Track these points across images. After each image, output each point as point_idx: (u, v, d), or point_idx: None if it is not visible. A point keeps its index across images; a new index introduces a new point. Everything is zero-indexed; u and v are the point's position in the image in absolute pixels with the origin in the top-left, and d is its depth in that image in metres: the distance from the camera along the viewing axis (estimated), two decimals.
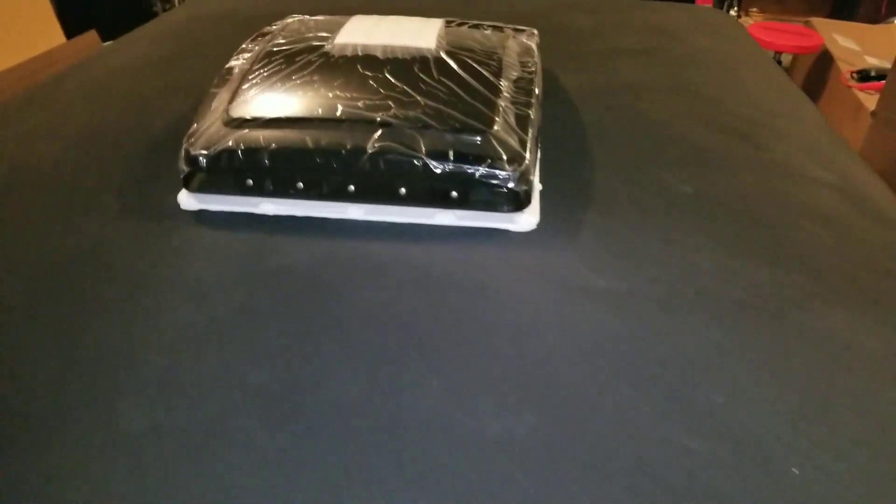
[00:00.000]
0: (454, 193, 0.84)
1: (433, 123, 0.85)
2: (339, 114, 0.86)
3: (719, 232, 0.85)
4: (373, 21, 1.07)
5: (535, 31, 1.14)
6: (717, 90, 1.22)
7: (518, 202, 0.84)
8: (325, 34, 1.04)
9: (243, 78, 0.94)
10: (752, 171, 0.98)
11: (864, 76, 2.77)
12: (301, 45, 1.00)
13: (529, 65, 1.00)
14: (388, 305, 0.73)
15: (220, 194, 0.88)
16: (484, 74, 0.94)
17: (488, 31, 1.08)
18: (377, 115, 0.85)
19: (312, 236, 0.84)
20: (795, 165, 1.01)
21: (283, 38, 1.03)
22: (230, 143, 0.84)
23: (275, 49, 1.00)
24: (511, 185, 0.81)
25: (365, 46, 0.99)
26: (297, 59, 0.96)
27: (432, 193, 0.85)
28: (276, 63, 0.96)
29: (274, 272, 0.78)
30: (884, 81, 2.68)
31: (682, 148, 1.03)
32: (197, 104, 1.08)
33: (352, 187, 0.85)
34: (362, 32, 1.02)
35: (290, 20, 1.14)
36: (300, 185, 0.85)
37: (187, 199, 0.89)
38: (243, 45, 1.04)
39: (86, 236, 0.83)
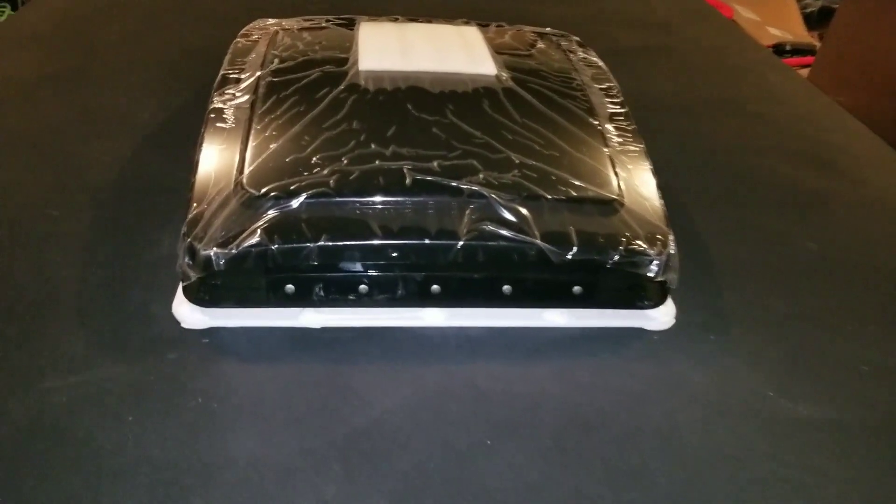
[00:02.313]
0: (577, 289, 0.62)
1: (541, 192, 0.62)
2: (408, 183, 0.61)
3: (885, 313, 0.69)
4: (391, 32, 0.81)
5: (577, 38, 0.92)
6: (765, 106, 1.06)
7: (662, 294, 0.64)
8: (335, 53, 0.76)
9: (248, 126, 0.66)
10: (863, 215, 0.83)
11: (779, 51, 2.78)
12: (315, 73, 0.72)
13: (613, 91, 0.78)
14: (551, 473, 0.51)
15: (242, 306, 0.61)
16: (576, 113, 0.71)
17: (541, 45, 0.85)
18: (463, 184, 0.61)
19: (387, 361, 0.59)
20: None
21: (281, 59, 0.75)
22: (259, 238, 0.56)
23: (277, 79, 0.71)
24: (655, 272, 0.61)
25: (405, 74, 0.73)
26: (317, 94, 0.69)
27: (547, 291, 0.62)
28: (288, 101, 0.68)
29: (362, 438, 0.53)
30: (801, 57, 2.70)
31: (776, 188, 0.86)
32: (143, 145, 0.79)
33: (436, 287, 0.61)
34: (389, 51, 0.76)
35: (269, 27, 0.85)
36: (363, 288, 0.60)
37: (192, 315, 0.60)
38: (223, 72, 0.74)
39: (43, 399, 0.53)
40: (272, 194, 0.59)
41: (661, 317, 0.64)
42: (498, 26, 0.89)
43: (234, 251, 0.56)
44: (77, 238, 0.69)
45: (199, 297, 0.59)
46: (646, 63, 1.17)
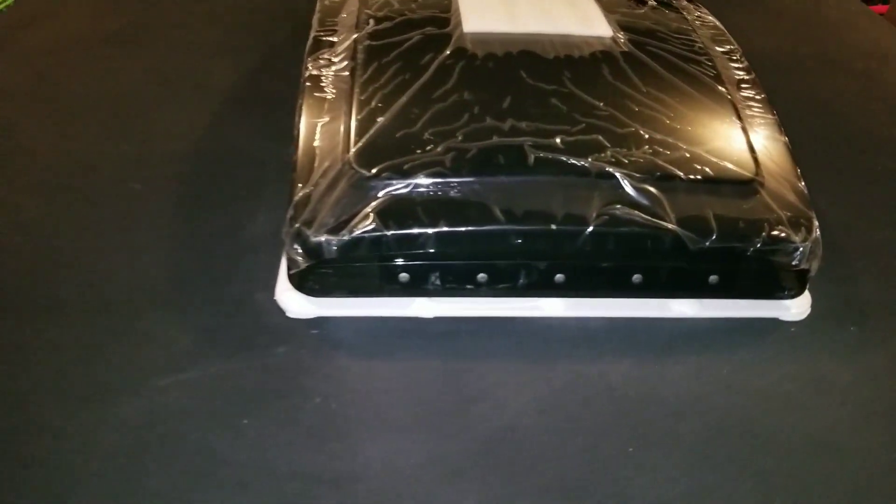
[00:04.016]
0: (713, 278, 0.57)
1: (676, 172, 0.56)
2: (531, 161, 0.56)
3: None
4: None
5: None
6: (872, 63, 0.98)
7: (802, 283, 0.58)
8: (434, 13, 0.70)
9: (350, 97, 0.60)
10: None
11: None
12: (416, 36, 0.66)
13: (736, 55, 0.71)
14: (700, 485, 0.47)
15: (348, 294, 0.57)
16: (703, 80, 0.65)
17: (653, 2, 0.77)
18: (590, 162, 0.56)
19: (512, 357, 0.55)
20: None
21: (377, 20, 0.69)
22: (373, 222, 0.52)
23: (376, 43, 0.66)
24: (800, 260, 0.55)
25: (513, 37, 0.66)
26: (421, 60, 0.63)
27: (680, 280, 0.57)
28: (391, 68, 0.62)
29: (497, 444, 0.49)
30: (876, 6, 2.54)
31: (891, 155, 0.79)
32: (221, 111, 0.74)
33: (560, 277, 0.56)
34: (493, 10, 0.70)
35: None
36: (482, 277, 0.55)
37: (299, 304, 0.57)
38: (315, 34, 0.68)
39: (153, 399, 0.50)
40: (384, 174, 0.54)
41: (797, 307, 0.59)
42: None
43: (346, 237, 0.52)
44: (164, 216, 0.65)
45: (308, 285, 0.55)
46: (736, 15, 1.08)
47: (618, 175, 0.55)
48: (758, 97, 0.65)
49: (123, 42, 0.90)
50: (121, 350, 0.54)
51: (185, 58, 0.87)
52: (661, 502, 0.46)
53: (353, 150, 0.56)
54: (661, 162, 0.57)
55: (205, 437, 0.48)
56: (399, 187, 0.54)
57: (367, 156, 0.55)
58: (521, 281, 0.56)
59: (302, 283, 0.55)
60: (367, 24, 0.68)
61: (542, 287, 0.56)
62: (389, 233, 0.52)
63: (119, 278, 0.59)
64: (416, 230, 0.52)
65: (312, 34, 0.68)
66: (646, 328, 0.58)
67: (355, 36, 0.66)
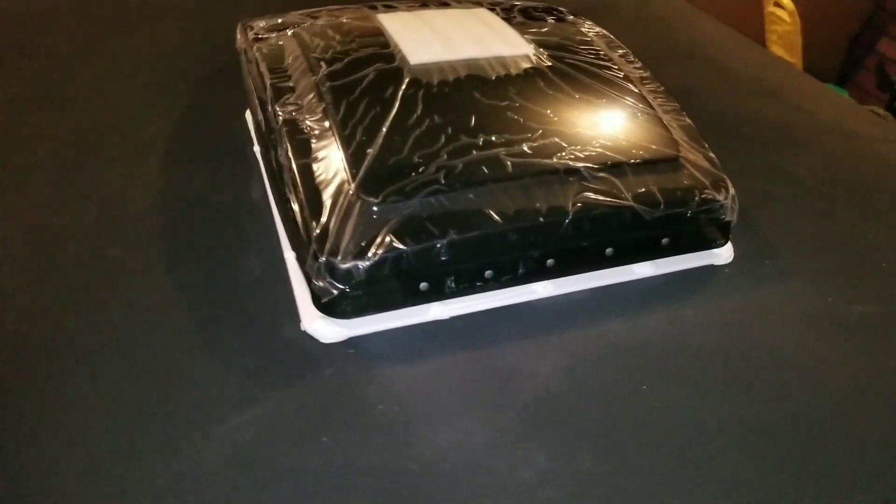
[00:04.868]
0: (665, 240, 0.69)
1: (622, 159, 0.68)
2: (510, 168, 0.65)
3: (886, 217, 0.82)
4: (415, 22, 0.82)
5: (564, 9, 0.97)
6: (710, 51, 1.17)
7: (727, 234, 0.72)
8: (377, 50, 0.76)
9: (334, 134, 0.66)
10: (830, 142, 0.96)
11: None
12: (370, 73, 0.72)
13: (630, 57, 0.85)
14: (708, 405, 0.58)
15: (376, 311, 0.62)
16: (617, 81, 0.77)
17: (550, 20, 0.89)
18: (556, 162, 0.66)
19: (522, 336, 0.64)
20: (847, 125, 1.01)
21: (327, 62, 0.74)
22: (392, 241, 0.58)
23: (337, 83, 0.71)
24: (724, 215, 0.69)
25: (456, 64, 0.75)
26: (385, 94, 0.70)
27: (641, 246, 0.69)
28: (361, 104, 0.68)
29: (542, 407, 0.57)
30: None
31: (750, 123, 0.98)
32: (168, 163, 0.80)
33: (551, 261, 0.65)
34: (428, 42, 0.77)
35: (271, 27, 0.83)
36: (489, 273, 0.63)
37: (330, 329, 0.61)
38: (271, 82, 0.72)
39: (229, 440, 0.53)
40: (390, 199, 0.61)
41: (726, 253, 0.73)
42: (491, 6, 0.92)
43: (372, 260, 0.58)
44: (156, 275, 0.67)
45: (340, 309, 0.60)
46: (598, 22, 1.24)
47: (579, 167, 0.66)
48: (659, 90, 0.79)
49: (38, 106, 0.88)
50: (175, 401, 0.56)
51: (109, 115, 0.87)
52: (683, 421, 0.57)
53: (356, 181, 0.62)
54: (608, 153, 0.68)
55: (293, 459, 0.52)
56: (406, 208, 0.60)
57: (370, 184, 0.61)
58: (520, 271, 0.64)
59: (334, 308, 0.60)
60: (321, 66, 0.73)
61: (537, 273, 0.65)
62: (408, 249, 0.59)
63: (144, 338, 0.61)
64: (429, 243, 0.59)
65: (269, 82, 0.72)
66: (620, 291, 0.69)
67: (315, 79, 0.72)
